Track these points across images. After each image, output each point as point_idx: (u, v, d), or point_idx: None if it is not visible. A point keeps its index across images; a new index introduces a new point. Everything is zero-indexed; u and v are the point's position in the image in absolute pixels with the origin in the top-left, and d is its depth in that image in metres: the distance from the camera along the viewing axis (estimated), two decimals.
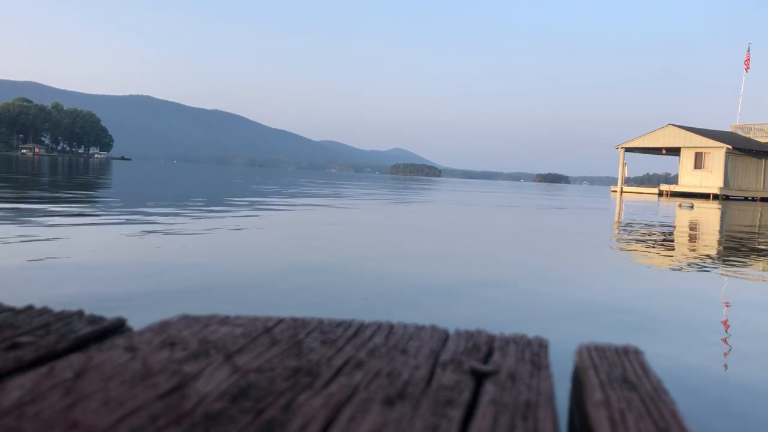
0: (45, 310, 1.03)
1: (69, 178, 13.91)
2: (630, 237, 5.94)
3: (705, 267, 3.90)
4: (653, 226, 7.75)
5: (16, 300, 1.35)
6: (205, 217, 5.62)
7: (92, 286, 2.36)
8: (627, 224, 7.88)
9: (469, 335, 0.97)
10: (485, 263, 3.64)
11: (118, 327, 0.99)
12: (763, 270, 3.92)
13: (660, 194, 32.89)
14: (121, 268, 2.82)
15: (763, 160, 32.82)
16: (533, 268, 3.54)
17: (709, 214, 12.37)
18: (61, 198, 7.34)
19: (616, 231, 6.76)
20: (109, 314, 1.02)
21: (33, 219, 4.68)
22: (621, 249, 4.79)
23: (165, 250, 3.40)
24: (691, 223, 9.05)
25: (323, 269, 3.07)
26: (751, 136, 36.28)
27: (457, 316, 2.18)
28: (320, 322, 1.04)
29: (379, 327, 1.01)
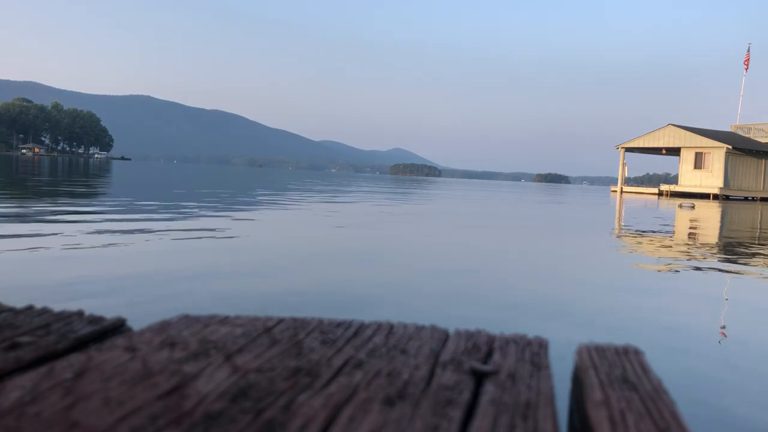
0: (45, 310, 1.03)
1: (71, 178, 13.92)
2: (631, 239, 5.94)
3: (705, 267, 3.90)
4: (653, 230, 7.75)
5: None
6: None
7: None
8: (627, 227, 7.88)
9: (469, 335, 0.97)
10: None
11: (118, 327, 0.99)
12: (764, 269, 3.92)
13: (660, 194, 32.89)
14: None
15: (763, 160, 32.82)
16: (532, 267, 3.54)
17: (711, 215, 12.37)
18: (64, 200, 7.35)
19: (617, 232, 6.76)
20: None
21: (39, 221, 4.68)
22: (621, 250, 4.79)
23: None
24: (693, 224, 9.05)
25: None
26: (751, 136, 36.27)
27: (457, 316, 2.18)
28: (320, 322, 1.04)
29: (379, 327, 1.01)
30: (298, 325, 1.01)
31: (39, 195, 7.63)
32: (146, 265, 2.91)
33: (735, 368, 1.72)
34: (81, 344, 0.89)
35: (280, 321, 1.03)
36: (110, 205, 6.58)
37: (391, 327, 1.01)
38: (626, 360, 0.85)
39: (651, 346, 1.87)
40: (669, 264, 3.95)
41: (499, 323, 2.10)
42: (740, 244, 5.73)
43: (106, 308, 1.98)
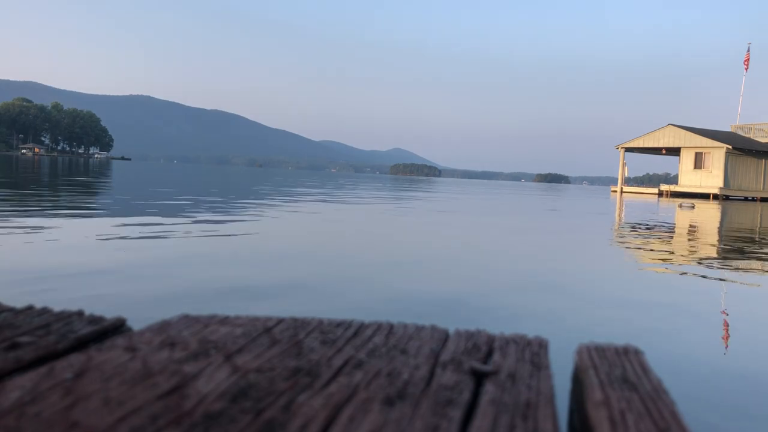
0: (45, 310, 1.03)
1: (71, 179, 13.92)
2: (631, 240, 5.94)
3: (706, 268, 3.90)
4: (654, 230, 7.75)
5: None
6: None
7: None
8: (627, 228, 7.88)
9: (469, 335, 0.98)
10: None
11: (118, 327, 0.99)
12: (764, 269, 3.92)
13: (660, 194, 32.88)
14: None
15: (763, 160, 32.82)
16: (533, 266, 3.54)
17: (711, 215, 12.37)
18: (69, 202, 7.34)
19: (617, 233, 6.76)
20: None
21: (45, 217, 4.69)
22: (622, 251, 4.79)
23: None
24: (694, 225, 9.04)
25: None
26: (751, 136, 36.27)
27: (457, 316, 2.18)
28: (320, 322, 1.04)
29: (379, 327, 1.01)
30: (298, 325, 1.01)
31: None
32: (146, 265, 2.91)
33: (736, 368, 1.72)
34: (81, 344, 0.89)
35: (280, 321, 1.03)
36: (114, 207, 6.58)
37: (391, 327, 1.01)
38: (626, 360, 0.85)
39: (651, 346, 1.87)
40: (669, 265, 3.95)
41: (498, 323, 2.10)
42: (741, 246, 5.73)
43: (106, 308, 1.98)
